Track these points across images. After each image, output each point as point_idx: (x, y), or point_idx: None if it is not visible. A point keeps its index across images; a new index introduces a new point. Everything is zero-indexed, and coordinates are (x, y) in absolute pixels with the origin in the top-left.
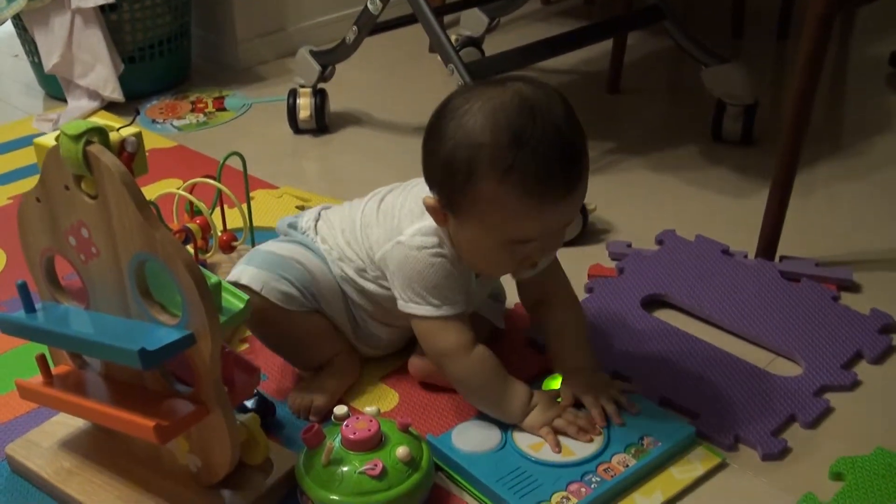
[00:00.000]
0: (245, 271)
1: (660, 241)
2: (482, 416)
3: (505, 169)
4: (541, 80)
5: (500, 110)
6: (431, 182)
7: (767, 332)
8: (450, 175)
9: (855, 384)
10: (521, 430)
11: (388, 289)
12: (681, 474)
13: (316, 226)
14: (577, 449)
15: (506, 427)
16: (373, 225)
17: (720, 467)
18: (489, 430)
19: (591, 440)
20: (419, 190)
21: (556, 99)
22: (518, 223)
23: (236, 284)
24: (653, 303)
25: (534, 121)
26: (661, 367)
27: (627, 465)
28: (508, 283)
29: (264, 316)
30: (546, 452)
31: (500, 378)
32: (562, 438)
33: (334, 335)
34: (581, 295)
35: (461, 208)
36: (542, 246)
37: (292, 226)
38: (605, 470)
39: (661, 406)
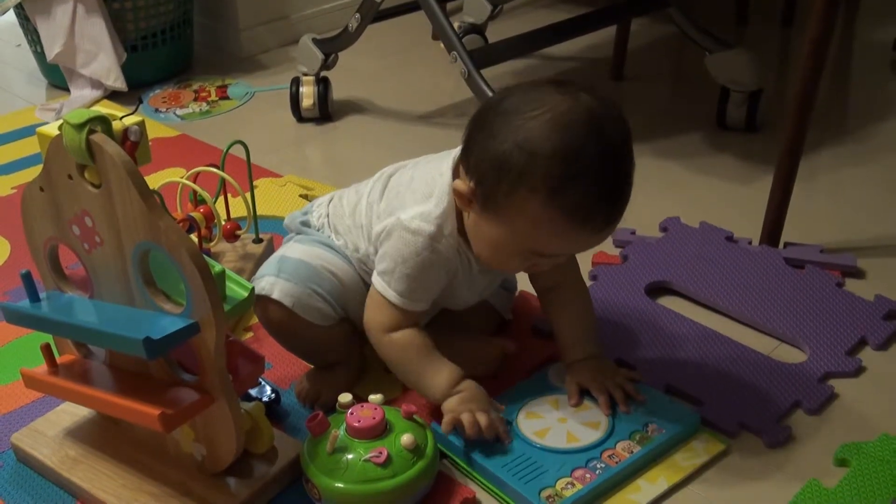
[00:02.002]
0: (276, 285)
1: (664, 228)
2: None
3: (555, 189)
4: (606, 95)
5: (570, 127)
6: (471, 169)
7: (772, 319)
8: (497, 174)
9: (859, 370)
10: (526, 416)
11: None
12: (685, 461)
13: (329, 221)
14: (582, 435)
15: (510, 413)
16: (375, 203)
17: (724, 454)
18: None
19: (500, 441)
20: (430, 168)
21: (623, 124)
22: (549, 240)
23: (267, 298)
24: (657, 290)
25: (598, 147)
26: (666, 355)
27: (632, 452)
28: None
29: (289, 329)
30: (551, 439)
31: (423, 359)
32: (567, 424)
33: (352, 339)
34: (585, 282)
35: (495, 207)
36: (558, 260)
37: (305, 224)
38: (609, 456)
39: (666, 393)
